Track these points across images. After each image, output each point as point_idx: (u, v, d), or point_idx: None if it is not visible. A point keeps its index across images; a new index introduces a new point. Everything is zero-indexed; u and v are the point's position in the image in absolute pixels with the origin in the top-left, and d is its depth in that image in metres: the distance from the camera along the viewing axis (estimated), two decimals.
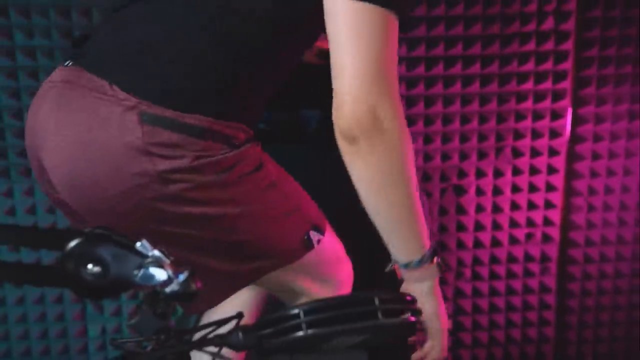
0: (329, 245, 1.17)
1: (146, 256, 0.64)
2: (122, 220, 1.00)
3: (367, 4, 0.85)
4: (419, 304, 0.95)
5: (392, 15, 0.88)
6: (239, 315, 0.78)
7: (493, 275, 2.04)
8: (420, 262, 0.98)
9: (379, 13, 0.86)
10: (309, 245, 1.10)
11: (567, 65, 1.92)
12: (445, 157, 1.96)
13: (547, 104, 1.94)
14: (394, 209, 0.95)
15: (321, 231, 1.13)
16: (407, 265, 0.99)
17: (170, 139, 0.96)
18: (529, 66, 1.92)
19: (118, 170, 0.97)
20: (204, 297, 1.02)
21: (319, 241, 1.12)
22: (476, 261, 2.03)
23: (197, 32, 0.98)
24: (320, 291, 1.18)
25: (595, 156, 1.99)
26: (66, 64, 1.08)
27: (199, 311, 1.30)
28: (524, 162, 1.98)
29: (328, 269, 1.20)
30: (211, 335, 0.75)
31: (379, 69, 0.87)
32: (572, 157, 1.99)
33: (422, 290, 0.99)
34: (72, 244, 0.63)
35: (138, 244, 0.65)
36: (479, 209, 2.00)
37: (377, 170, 0.91)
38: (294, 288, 1.17)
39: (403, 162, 0.92)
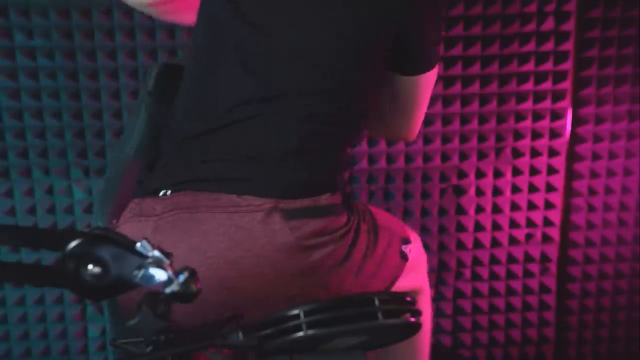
0: (415, 247, 1.24)
1: (146, 256, 0.64)
2: None
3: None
4: None
5: None
6: (239, 316, 0.78)
7: (493, 276, 2.04)
8: None
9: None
10: (405, 258, 1.18)
11: (567, 65, 1.92)
12: (445, 157, 1.96)
13: (547, 104, 1.94)
14: None
15: (408, 241, 1.20)
16: None
17: (316, 227, 0.98)
18: (529, 66, 1.91)
19: (277, 277, 0.96)
20: None
21: (410, 250, 1.19)
22: (476, 262, 2.03)
23: (311, 131, 1.04)
24: (414, 282, 1.24)
25: (595, 157, 1.99)
26: (161, 194, 1.04)
27: None
28: (523, 163, 1.97)
29: (420, 268, 1.27)
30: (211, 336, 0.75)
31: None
32: (572, 157, 1.99)
33: None
34: (72, 244, 0.62)
35: (138, 245, 0.65)
36: (479, 209, 2.00)
37: None
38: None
39: None
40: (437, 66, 1.19)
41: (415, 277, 1.25)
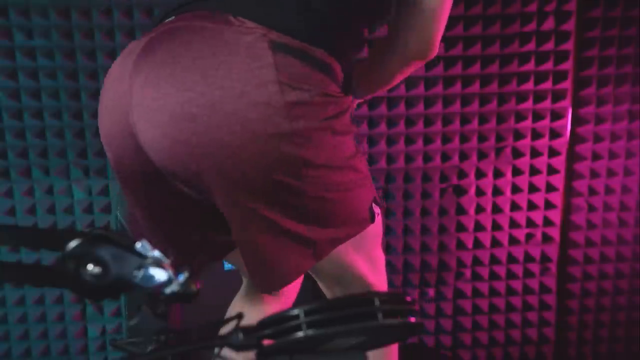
0: (379, 219, 1.15)
1: (146, 257, 0.64)
2: (227, 158, 0.94)
3: None
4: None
5: None
6: (239, 316, 0.78)
7: (493, 276, 2.04)
8: None
9: None
10: (373, 217, 1.09)
11: (568, 65, 1.92)
12: (445, 157, 1.96)
13: (547, 104, 1.94)
14: None
15: (378, 204, 1.12)
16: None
17: (299, 70, 0.94)
18: (529, 66, 1.92)
19: (242, 97, 0.92)
20: (279, 272, 1.01)
21: (377, 214, 1.11)
22: (476, 262, 2.03)
23: None
24: (368, 273, 1.15)
25: (596, 156, 1.99)
26: (167, 20, 1.04)
27: (273, 290, 1.18)
28: (524, 163, 1.98)
29: (375, 245, 1.18)
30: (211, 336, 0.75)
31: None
32: (573, 157, 1.99)
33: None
34: (72, 244, 0.62)
35: (138, 245, 0.65)
36: (479, 209, 2.00)
37: None
38: (347, 270, 1.14)
39: None
40: None
41: (376, 276, 1.17)
